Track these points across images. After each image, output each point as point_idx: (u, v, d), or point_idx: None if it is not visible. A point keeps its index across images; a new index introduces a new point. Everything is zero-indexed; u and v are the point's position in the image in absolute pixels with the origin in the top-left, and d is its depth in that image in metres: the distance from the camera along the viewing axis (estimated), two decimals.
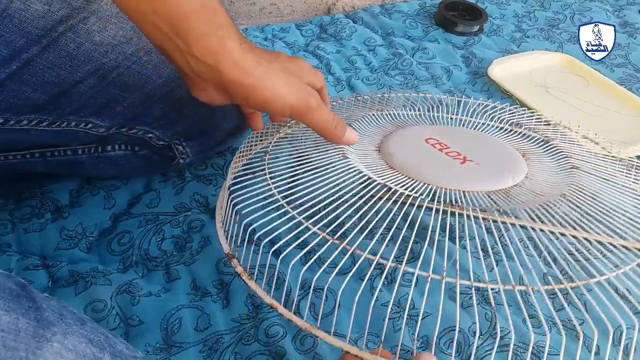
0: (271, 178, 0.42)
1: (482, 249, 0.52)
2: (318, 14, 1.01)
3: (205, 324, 0.45)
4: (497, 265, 0.51)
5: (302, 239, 0.36)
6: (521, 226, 0.55)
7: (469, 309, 0.47)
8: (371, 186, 0.40)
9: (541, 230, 0.56)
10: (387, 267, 0.33)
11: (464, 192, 0.42)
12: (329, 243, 0.36)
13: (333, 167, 0.43)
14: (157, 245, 0.52)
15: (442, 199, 0.40)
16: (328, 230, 0.36)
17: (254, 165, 0.46)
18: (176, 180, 0.58)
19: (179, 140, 0.54)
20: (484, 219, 0.41)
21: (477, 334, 0.45)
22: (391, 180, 0.43)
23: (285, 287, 0.42)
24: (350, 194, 0.40)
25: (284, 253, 0.37)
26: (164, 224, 0.54)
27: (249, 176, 0.44)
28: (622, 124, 0.73)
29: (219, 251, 0.51)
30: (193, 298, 0.47)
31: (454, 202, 0.41)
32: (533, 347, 0.44)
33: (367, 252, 0.35)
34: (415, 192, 0.41)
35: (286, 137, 0.51)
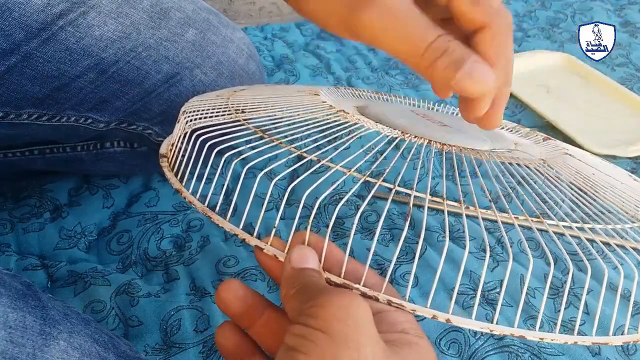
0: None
1: (482, 249, 0.52)
2: None
3: (204, 325, 0.45)
4: (497, 265, 0.51)
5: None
6: (521, 226, 0.55)
7: (469, 309, 0.47)
8: (343, 120, 0.34)
9: (541, 230, 0.56)
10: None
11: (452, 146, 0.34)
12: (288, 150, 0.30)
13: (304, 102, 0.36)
14: (156, 245, 0.51)
15: (441, 195, 0.39)
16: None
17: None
18: None
19: None
20: (483, 218, 0.40)
21: (477, 334, 0.45)
22: (367, 122, 0.35)
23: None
24: (319, 119, 0.33)
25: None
26: (163, 223, 0.54)
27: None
28: (623, 124, 0.72)
29: (219, 250, 0.51)
30: (192, 299, 0.47)
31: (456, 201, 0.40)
32: (533, 347, 0.44)
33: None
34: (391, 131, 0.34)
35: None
